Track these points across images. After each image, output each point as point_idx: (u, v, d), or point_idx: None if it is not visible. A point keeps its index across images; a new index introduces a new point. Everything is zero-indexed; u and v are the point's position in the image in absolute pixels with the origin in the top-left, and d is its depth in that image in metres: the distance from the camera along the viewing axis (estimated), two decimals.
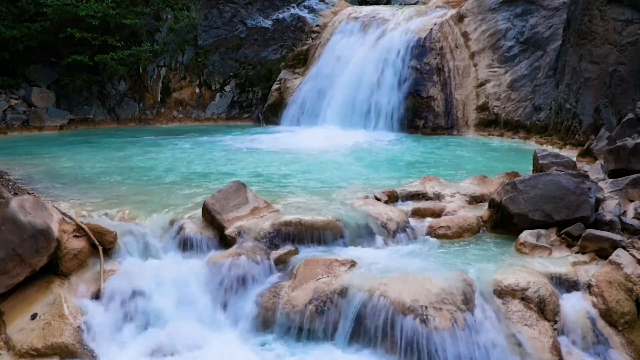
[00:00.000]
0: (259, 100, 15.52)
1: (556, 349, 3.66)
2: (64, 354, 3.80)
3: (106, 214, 5.20)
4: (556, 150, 9.06)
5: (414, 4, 16.09)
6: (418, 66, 13.06)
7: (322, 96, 13.65)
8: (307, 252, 4.63)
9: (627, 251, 4.24)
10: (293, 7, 15.78)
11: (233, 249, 4.58)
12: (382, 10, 15.27)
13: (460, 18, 13.55)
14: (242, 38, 15.48)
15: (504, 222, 5.04)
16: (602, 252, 4.37)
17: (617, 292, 3.96)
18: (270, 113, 14.85)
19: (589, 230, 4.51)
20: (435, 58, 13.14)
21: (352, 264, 4.27)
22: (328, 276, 4.14)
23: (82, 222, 4.55)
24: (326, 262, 4.29)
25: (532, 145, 10.60)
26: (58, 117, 12.91)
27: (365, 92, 13.16)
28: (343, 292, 4.00)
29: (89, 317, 4.01)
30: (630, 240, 4.51)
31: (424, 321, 3.64)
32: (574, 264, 4.28)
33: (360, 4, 17.24)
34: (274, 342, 4.02)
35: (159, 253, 4.72)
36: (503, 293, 3.89)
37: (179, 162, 8.63)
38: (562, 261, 4.34)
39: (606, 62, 9.35)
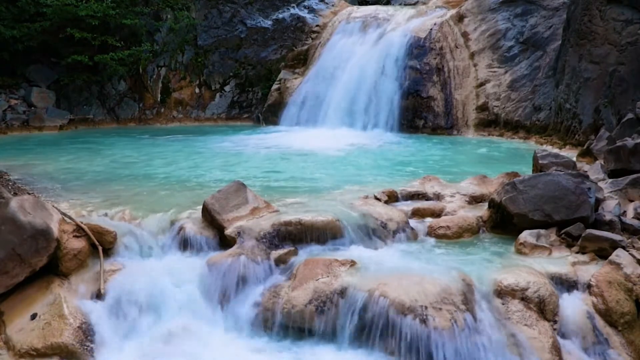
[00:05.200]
0: (258, 101, 15.53)
1: (556, 349, 3.66)
2: (63, 354, 3.80)
3: (106, 214, 5.20)
4: (556, 150, 9.07)
5: (414, 4, 16.09)
6: (418, 66, 13.06)
7: (321, 96, 13.66)
8: (307, 252, 4.63)
9: (627, 251, 4.24)
10: (293, 7, 15.78)
11: (233, 249, 4.57)
12: (382, 10, 15.28)
13: (460, 18, 13.56)
14: (242, 38, 15.49)
15: (503, 222, 5.04)
16: (602, 252, 4.37)
17: (617, 292, 3.96)
18: (270, 113, 14.85)
19: (588, 230, 4.51)
20: (435, 58, 13.14)
21: (352, 264, 4.27)
22: (328, 276, 4.14)
23: (82, 222, 4.55)
24: (326, 262, 4.29)
25: (532, 145, 10.60)
26: (58, 117, 12.92)
27: (365, 92, 13.17)
28: (343, 292, 4.00)
29: (89, 317, 4.01)
30: (630, 240, 4.51)
31: (424, 321, 3.64)
32: (574, 264, 4.28)
33: (360, 4, 17.25)
34: (274, 342, 4.02)
35: (159, 253, 4.72)
36: (503, 293, 3.89)
37: (178, 162, 8.63)
38: (562, 261, 4.34)
39: (606, 62, 9.35)
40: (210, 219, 4.90)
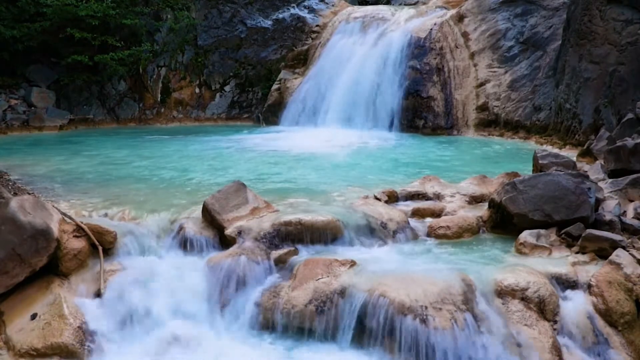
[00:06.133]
0: (258, 100, 15.53)
1: (556, 349, 3.66)
2: (63, 354, 3.80)
3: (106, 214, 5.21)
4: (556, 150, 9.07)
5: (414, 4, 16.10)
6: (418, 66, 13.06)
7: (321, 96, 13.65)
8: (307, 252, 4.63)
9: (627, 251, 4.24)
10: (293, 7, 15.78)
11: (233, 249, 4.58)
12: (382, 10, 15.27)
13: (460, 18, 13.56)
14: (242, 38, 15.49)
15: (503, 222, 5.04)
16: (602, 252, 4.37)
17: (617, 292, 3.96)
18: (270, 113, 14.85)
19: (588, 230, 4.51)
20: (435, 58, 13.14)
21: (352, 264, 4.27)
22: (328, 276, 4.14)
23: (82, 222, 4.55)
24: (326, 262, 4.29)
25: (532, 145, 10.60)
26: (58, 117, 12.92)
27: (365, 92, 13.16)
28: (343, 292, 4.00)
29: (89, 317, 4.01)
30: (630, 240, 4.51)
31: (424, 321, 3.64)
32: (574, 264, 4.28)
33: (360, 4, 17.25)
34: (274, 342, 4.02)
35: (159, 253, 4.72)
36: (503, 293, 3.89)
37: (178, 162, 8.63)
38: (562, 261, 4.34)
39: (606, 62, 9.35)
40: (210, 219, 4.90)
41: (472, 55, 13.05)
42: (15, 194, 5.32)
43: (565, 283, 4.09)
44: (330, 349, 3.90)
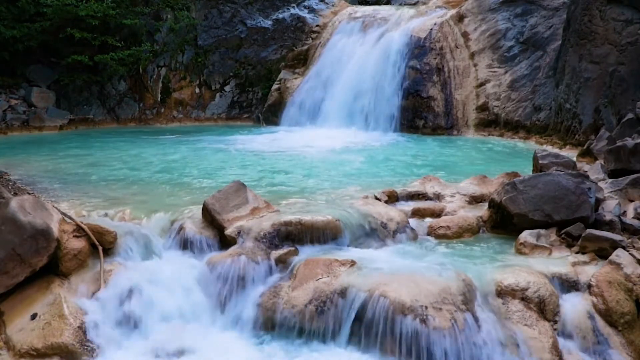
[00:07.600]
0: (259, 101, 15.53)
1: (556, 349, 3.66)
2: (63, 354, 3.80)
3: (106, 214, 5.21)
4: (556, 150, 9.06)
5: (414, 4, 16.09)
6: (418, 66, 13.06)
7: (321, 96, 13.66)
8: (307, 252, 4.63)
9: (627, 251, 4.24)
10: (293, 7, 15.78)
11: (233, 249, 4.58)
12: (382, 10, 15.28)
13: (460, 18, 13.56)
14: (242, 38, 15.49)
15: (503, 222, 5.04)
16: (602, 252, 4.37)
17: (617, 292, 3.96)
18: (270, 113, 14.85)
19: (588, 230, 4.51)
20: (435, 58, 13.14)
21: (352, 264, 4.27)
22: (328, 276, 4.14)
23: (82, 222, 4.55)
24: (326, 262, 4.29)
25: (532, 145, 10.60)
26: (58, 117, 12.92)
27: (365, 92, 13.17)
28: (343, 292, 4.00)
29: (89, 317, 4.01)
30: (630, 240, 4.51)
31: (424, 321, 3.64)
32: (574, 264, 4.28)
33: (361, 4, 17.25)
34: (274, 343, 4.02)
35: (159, 253, 4.72)
36: (503, 293, 3.89)
37: (178, 162, 8.63)
38: (562, 261, 4.34)
39: (606, 62, 9.35)
40: (210, 219, 4.90)
41: (472, 55, 13.05)
42: (15, 194, 5.32)
43: (566, 283, 4.09)
44: (330, 349, 3.90)
